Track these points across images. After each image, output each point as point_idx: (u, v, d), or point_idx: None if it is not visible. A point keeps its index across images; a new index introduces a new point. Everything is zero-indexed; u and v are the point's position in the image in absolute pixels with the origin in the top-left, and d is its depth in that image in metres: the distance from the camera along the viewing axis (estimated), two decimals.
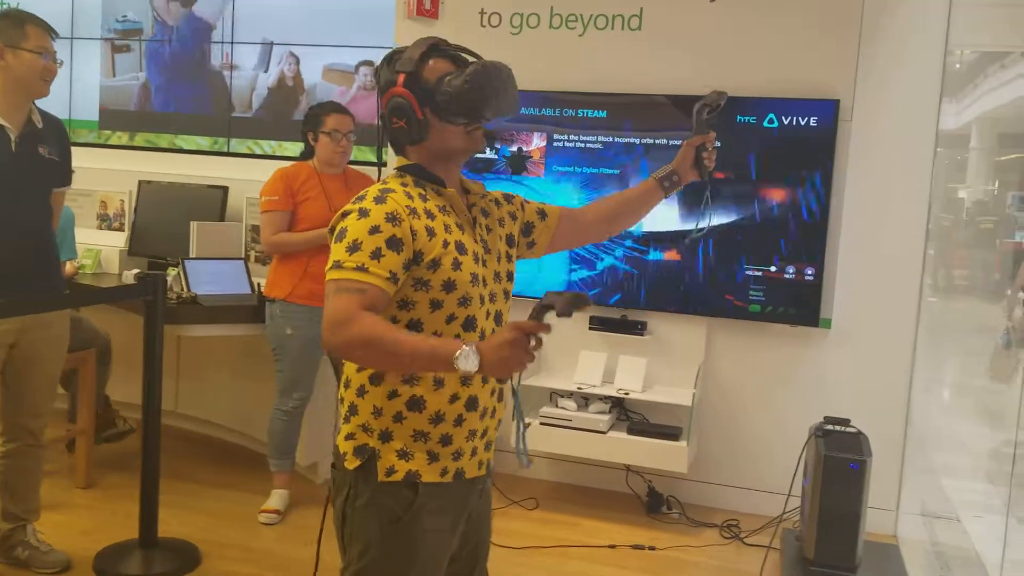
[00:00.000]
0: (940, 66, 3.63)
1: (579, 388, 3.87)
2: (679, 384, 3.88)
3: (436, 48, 1.70)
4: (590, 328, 4.00)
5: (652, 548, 3.55)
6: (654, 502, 3.92)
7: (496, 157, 4.09)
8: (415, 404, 1.69)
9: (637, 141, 3.91)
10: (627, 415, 3.97)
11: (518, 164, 4.06)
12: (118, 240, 4.57)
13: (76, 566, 3.10)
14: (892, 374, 3.75)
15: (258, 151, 4.78)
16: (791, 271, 3.75)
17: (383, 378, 1.69)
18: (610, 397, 3.88)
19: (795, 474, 3.36)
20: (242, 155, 4.79)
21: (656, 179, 2.01)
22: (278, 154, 4.67)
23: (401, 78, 1.67)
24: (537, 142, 4.03)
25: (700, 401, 3.85)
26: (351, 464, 1.71)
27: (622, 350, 3.96)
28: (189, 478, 3.95)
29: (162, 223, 4.44)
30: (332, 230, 1.67)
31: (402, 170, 1.74)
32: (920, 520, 4.03)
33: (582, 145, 3.98)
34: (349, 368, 1.74)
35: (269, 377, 3.67)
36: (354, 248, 1.59)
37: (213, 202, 4.36)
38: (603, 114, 3.95)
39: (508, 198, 1.92)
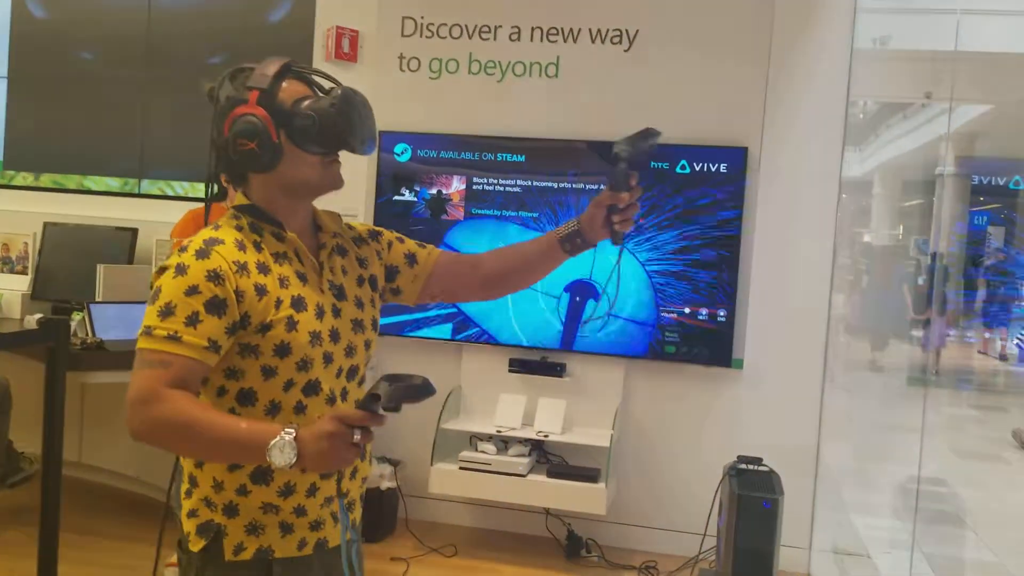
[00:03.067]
0: (843, 116, 3.80)
1: (499, 431, 3.86)
2: (598, 425, 3.90)
3: (290, 68, 1.52)
4: (509, 371, 4.00)
5: None
6: (573, 546, 3.91)
7: (416, 200, 4.09)
8: (260, 476, 1.49)
9: (555, 186, 3.97)
10: (547, 457, 3.97)
11: (438, 207, 4.08)
12: (21, 284, 4.40)
13: None
14: (802, 413, 3.85)
15: (170, 192, 4.68)
16: (704, 313, 3.83)
17: None
18: (530, 440, 3.88)
19: (710, 513, 3.40)
20: (154, 196, 4.68)
21: (558, 238, 1.71)
22: (191, 195, 4.58)
23: (254, 95, 1.48)
24: (457, 185, 4.05)
25: (618, 442, 3.88)
26: (195, 545, 1.50)
27: (541, 392, 3.97)
28: (92, 532, 3.78)
29: (68, 266, 4.29)
30: (151, 286, 1.48)
31: (239, 210, 1.53)
32: (832, 557, 4.12)
33: (501, 189, 4.01)
34: None
35: None
36: (167, 312, 1.40)
37: (122, 244, 4.24)
38: (522, 158, 4.00)
39: (374, 235, 1.73)
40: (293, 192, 1.54)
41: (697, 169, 3.83)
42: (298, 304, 1.49)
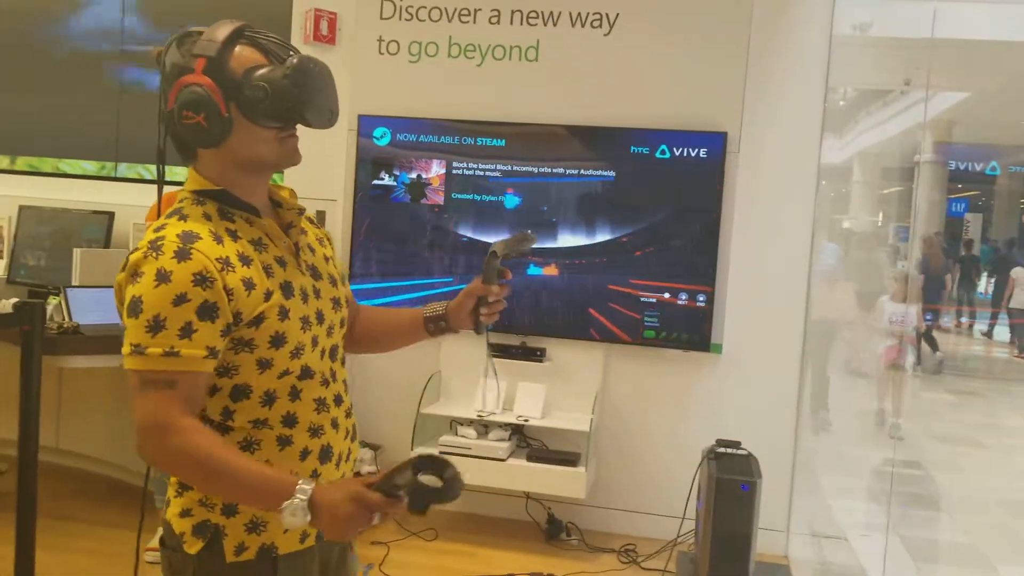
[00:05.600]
0: (821, 102, 3.81)
1: (479, 416, 3.87)
2: (577, 410, 3.91)
3: (242, 33, 1.40)
4: (489, 355, 4.00)
5: None
6: (553, 529, 3.93)
7: (396, 184, 4.07)
8: None
9: (535, 170, 3.96)
10: (526, 442, 3.98)
11: (417, 192, 4.06)
12: None
13: None
14: (780, 397, 3.87)
15: (148, 175, 4.64)
16: (683, 298, 3.85)
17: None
18: (510, 424, 3.88)
19: (689, 497, 3.42)
20: (130, 180, 4.63)
21: (423, 317, 1.68)
22: (168, 179, 4.53)
23: (200, 63, 1.35)
24: (437, 169, 4.04)
25: (597, 426, 3.89)
26: (192, 548, 1.42)
27: (521, 377, 3.97)
28: (70, 517, 3.76)
29: (44, 250, 4.25)
30: (119, 288, 1.37)
31: (202, 195, 1.43)
32: (809, 540, 4.16)
33: (482, 173, 4.00)
34: None
35: None
36: (157, 327, 1.30)
37: (98, 228, 4.20)
38: (502, 143, 3.99)
39: (321, 232, 1.65)
40: (247, 168, 1.43)
41: (677, 154, 3.83)
42: (286, 291, 1.43)
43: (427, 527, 3.89)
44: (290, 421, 1.45)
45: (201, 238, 1.36)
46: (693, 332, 3.84)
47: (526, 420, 3.84)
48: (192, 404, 1.35)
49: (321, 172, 4.15)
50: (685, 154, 3.82)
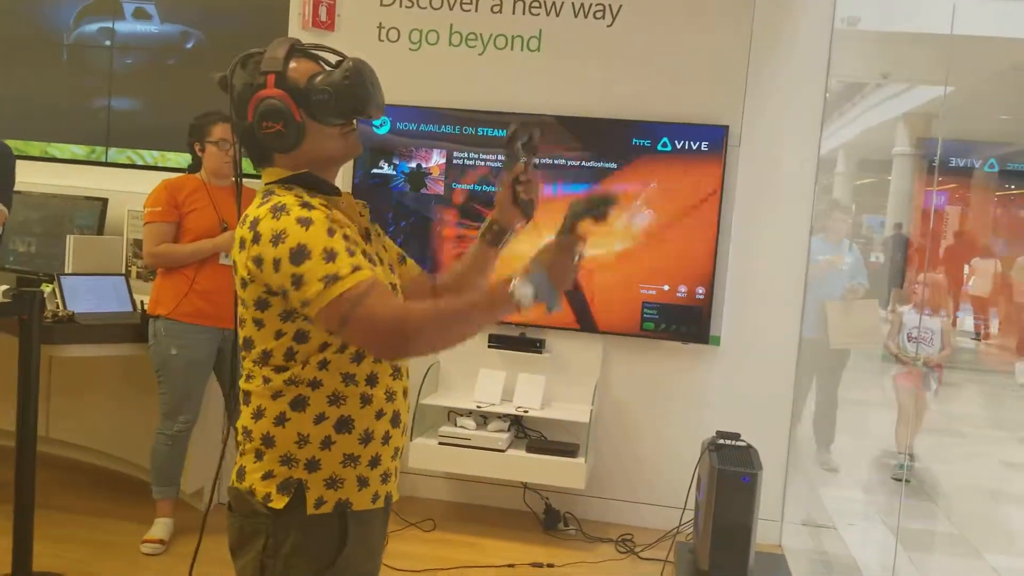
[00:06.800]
0: (822, 96, 3.83)
1: (478, 406, 3.86)
2: (576, 401, 3.92)
3: (296, 48, 1.59)
4: (489, 346, 3.99)
5: (551, 565, 3.56)
6: (551, 519, 3.94)
7: (395, 173, 4.04)
8: (344, 424, 1.55)
9: (536, 161, 3.93)
10: (525, 433, 3.98)
11: (417, 181, 4.03)
12: None
13: None
14: (776, 389, 3.90)
15: (139, 161, 4.56)
16: (683, 290, 3.86)
17: (307, 402, 1.53)
18: (509, 415, 3.88)
19: (690, 488, 3.44)
20: (122, 165, 4.56)
21: (480, 235, 1.82)
22: (160, 165, 4.47)
23: (271, 79, 1.53)
24: (437, 159, 4.01)
25: (596, 418, 3.90)
26: (278, 503, 1.53)
27: (521, 368, 3.97)
28: (63, 507, 3.71)
29: (34, 236, 4.17)
30: (257, 260, 1.47)
31: (285, 183, 1.57)
32: (802, 530, 4.21)
33: (482, 163, 3.98)
34: (260, 396, 1.55)
35: (152, 399, 3.49)
36: (331, 256, 1.44)
37: (91, 214, 4.13)
38: (503, 133, 3.94)
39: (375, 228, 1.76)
40: (317, 165, 1.59)
41: (678, 147, 3.83)
42: (372, 260, 1.56)
43: (425, 518, 3.89)
44: (372, 380, 1.57)
45: (314, 207, 1.51)
46: (692, 324, 3.86)
47: (525, 411, 3.84)
48: (395, 294, 1.52)
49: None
50: (686, 147, 3.82)
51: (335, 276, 1.42)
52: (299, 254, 1.44)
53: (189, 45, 4.55)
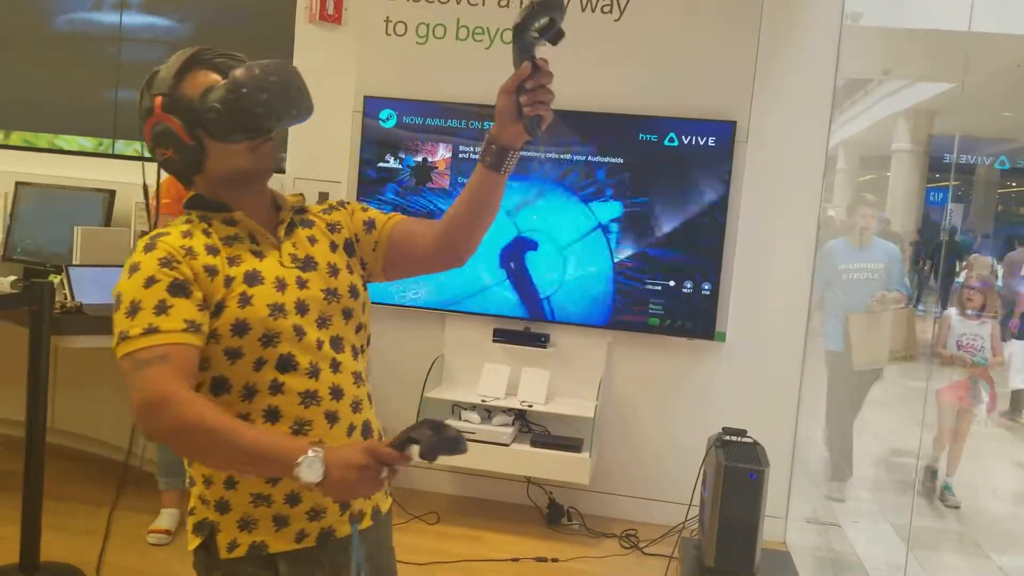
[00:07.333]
0: (831, 92, 3.83)
1: (482, 400, 3.87)
2: (581, 396, 3.92)
3: (195, 59, 1.45)
4: (494, 340, 4.00)
5: (555, 560, 3.57)
6: (554, 514, 3.95)
7: (401, 167, 4.04)
8: None
9: (543, 155, 3.95)
10: (529, 427, 3.99)
11: (423, 175, 4.03)
12: None
13: None
14: (782, 386, 3.90)
15: (147, 154, 4.56)
16: (689, 286, 3.86)
17: None
18: (513, 409, 3.89)
19: (696, 484, 3.45)
20: (129, 157, 4.56)
21: (479, 159, 1.56)
22: None
23: (159, 102, 1.42)
24: (443, 153, 4.01)
25: (601, 413, 3.90)
26: (191, 544, 1.48)
27: (525, 362, 3.98)
28: (69, 498, 3.72)
29: (41, 227, 4.18)
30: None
31: (186, 207, 1.49)
32: (807, 527, 4.22)
33: None
34: None
35: None
36: (134, 311, 1.34)
37: (98, 206, 4.13)
38: None
39: (341, 203, 1.65)
40: (231, 183, 1.48)
41: (685, 142, 3.83)
42: (251, 279, 1.44)
43: (429, 511, 3.90)
44: (272, 415, 1.43)
45: (169, 234, 1.43)
46: (698, 320, 3.86)
47: (530, 405, 3.85)
48: (189, 378, 1.35)
49: (325, 153, 4.11)
50: (694, 142, 3.82)
51: (125, 334, 1.34)
52: (116, 300, 1.38)
53: (197, 37, 4.56)
